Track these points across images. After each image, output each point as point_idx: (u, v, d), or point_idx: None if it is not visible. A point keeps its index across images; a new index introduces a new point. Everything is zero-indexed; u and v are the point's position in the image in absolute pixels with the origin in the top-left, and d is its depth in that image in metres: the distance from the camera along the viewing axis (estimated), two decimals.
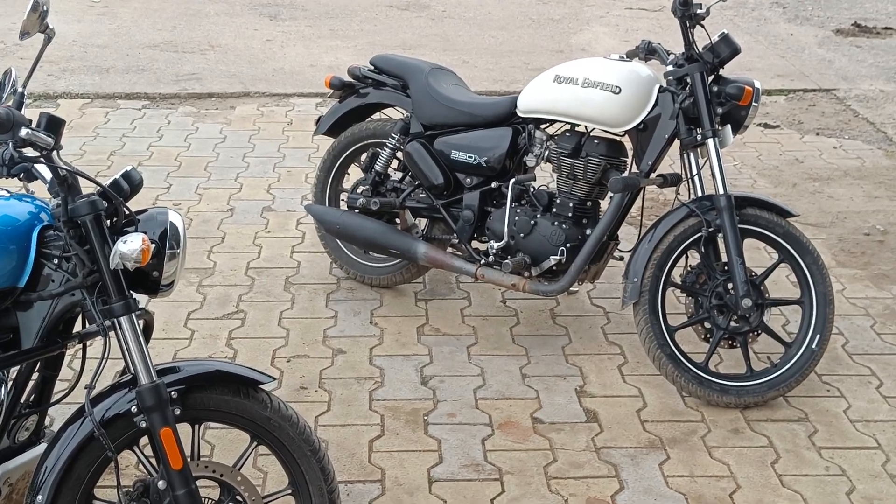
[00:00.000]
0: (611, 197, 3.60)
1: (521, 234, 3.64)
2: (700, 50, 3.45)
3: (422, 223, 4.09)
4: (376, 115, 4.25)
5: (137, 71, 6.96)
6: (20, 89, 2.26)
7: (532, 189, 3.74)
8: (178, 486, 2.23)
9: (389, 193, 4.03)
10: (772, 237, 3.47)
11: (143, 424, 2.22)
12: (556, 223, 3.61)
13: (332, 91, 4.16)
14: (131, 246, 2.14)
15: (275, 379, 2.41)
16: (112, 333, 2.19)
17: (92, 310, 2.21)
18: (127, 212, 2.26)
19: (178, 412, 2.25)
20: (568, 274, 3.56)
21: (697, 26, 3.47)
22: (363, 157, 4.17)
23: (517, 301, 4.10)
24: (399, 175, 4.09)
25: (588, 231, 3.61)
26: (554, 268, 3.61)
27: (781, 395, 3.44)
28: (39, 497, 2.21)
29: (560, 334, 3.88)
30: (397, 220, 4.05)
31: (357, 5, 8.95)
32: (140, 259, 2.15)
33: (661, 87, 3.52)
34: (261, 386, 2.36)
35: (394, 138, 3.96)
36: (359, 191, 4.08)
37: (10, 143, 2.12)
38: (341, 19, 8.46)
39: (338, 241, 4.18)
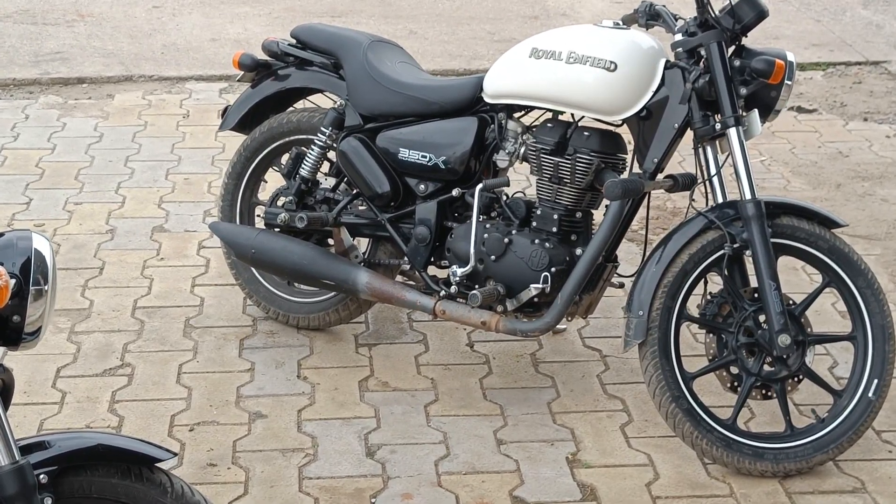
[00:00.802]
0: (606, 206, 3.60)
1: (492, 257, 3.62)
2: (717, 14, 3.46)
3: (362, 244, 4.07)
4: (299, 104, 4.23)
5: None
6: None
7: (505, 198, 3.72)
8: None
9: (319, 206, 4.00)
10: (814, 254, 3.47)
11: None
12: (536, 241, 3.59)
13: (241, 73, 4.14)
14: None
15: (175, 454, 2.34)
16: None
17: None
18: None
19: (48, 502, 2.20)
20: (554, 307, 3.54)
21: None
22: (284, 158, 4.16)
23: (488, 344, 4.09)
24: (332, 182, 4.05)
25: (578, 251, 3.61)
26: (535, 300, 3.60)
27: (831, 458, 3.44)
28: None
29: (545, 386, 3.87)
30: (330, 241, 4.01)
31: None
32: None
33: (667, 61, 3.53)
34: (157, 464, 2.32)
35: (324, 133, 3.94)
36: (279, 203, 4.04)
37: None
38: None
39: (253, 269, 4.14)
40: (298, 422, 3.66)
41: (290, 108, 4.17)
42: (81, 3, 7.81)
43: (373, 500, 3.30)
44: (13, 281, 2.17)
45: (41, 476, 2.19)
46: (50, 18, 7.48)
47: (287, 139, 4.10)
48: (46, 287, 2.25)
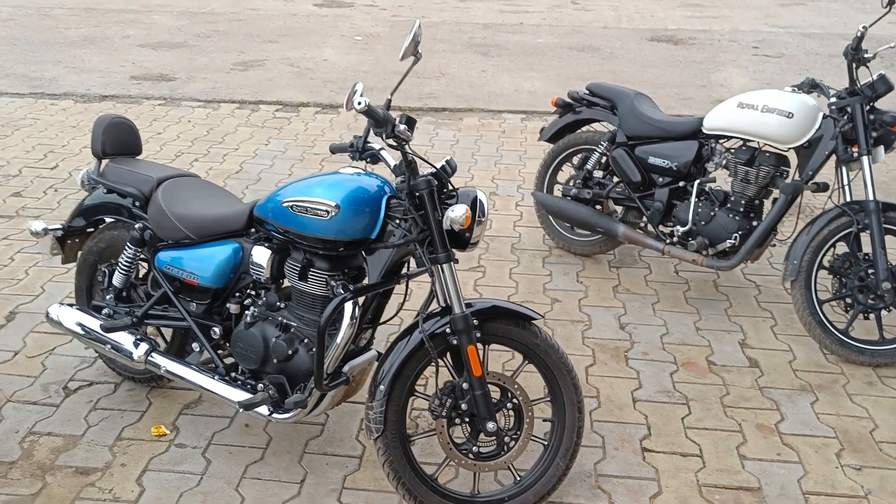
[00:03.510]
0: (775, 198, 3.46)
1: (703, 223, 3.54)
2: (862, 86, 3.24)
3: (617, 210, 4.02)
4: (584, 128, 4.21)
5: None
6: (388, 97, 2.33)
7: (710, 188, 3.62)
8: (477, 388, 2.29)
9: (595, 187, 3.99)
10: None
11: (454, 342, 2.28)
12: (730, 216, 3.49)
13: (555, 108, 4.14)
14: (458, 213, 2.20)
15: (543, 316, 2.40)
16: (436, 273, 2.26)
17: (422, 257, 2.27)
18: (451, 188, 2.32)
19: (478, 335, 2.30)
20: (738, 254, 3.45)
21: (862, 67, 3.26)
22: (574, 159, 4.15)
23: (687, 272, 3.99)
24: (601, 174, 4.03)
25: (755, 223, 3.48)
26: (727, 249, 3.50)
27: None
28: (381, 386, 2.30)
29: (722, 300, 3.76)
30: (597, 207, 4.00)
31: (546, 46, 8.86)
32: (464, 222, 2.21)
33: (824, 114, 3.33)
34: (533, 320, 2.38)
35: (602, 145, 3.91)
36: (570, 183, 4.05)
37: (383, 135, 2.20)
38: (534, 57, 8.40)
39: (551, 218, 4.18)
40: (579, 306, 3.67)
41: (579, 131, 4.16)
42: (442, 66, 7.94)
43: (625, 354, 3.30)
44: (469, 213, 2.27)
45: (474, 321, 2.27)
46: (425, 74, 7.62)
47: (577, 147, 4.09)
48: (485, 219, 2.33)
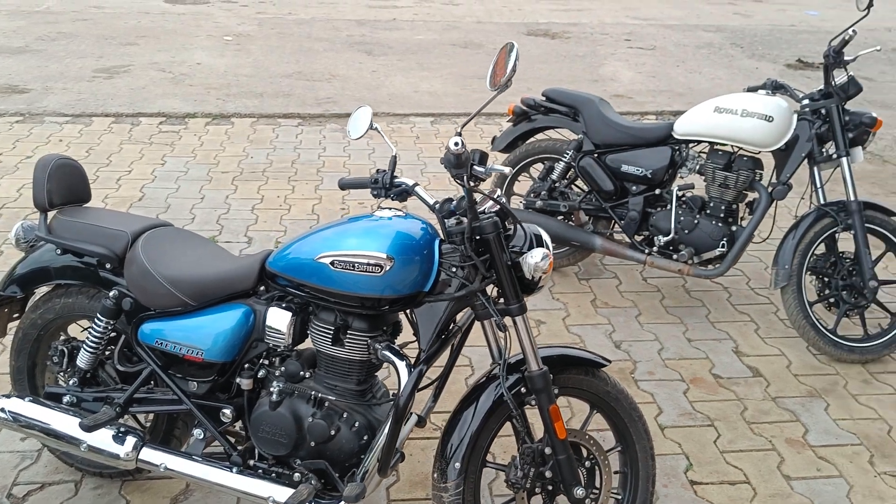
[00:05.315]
0: (751, 201, 3.42)
1: (686, 231, 3.44)
2: (835, 87, 3.25)
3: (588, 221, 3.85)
4: (539, 136, 4.01)
5: (285, 96, 6.59)
6: (459, 129, 1.99)
7: (687, 195, 3.53)
8: (560, 451, 2.03)
9: (559, 197, 3.80)
10: (883, 233, 3.31)
11: (533, 403, 2.00)
12: (713, 222, 3.42)
13: (511, 117, 3.91)
14: (538, 258, 1.92)
15: (610, 362, 2.17)
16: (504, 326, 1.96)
17: (490, 309, 1.96)
18: (514, 229, 2.02)
19: (556, 391, 2.04)
20: (726, 261, 3.38)
21: (836, 69, 3.26)
22: (532, 169, 3.94)
23: (656, 279, 3.91)
24: (564, 183, 3.85)
25: (733, 228, 3.43)
26: (713, 256, 3.43)
27: (890, 353, 3.30)
28: (456, 464, 1.99)
29: (699, 306, 3.70)
30: (561, 218, 3.81)
31: (428, 43, 8.62)
32: (547, 269, 1.93)
33: (798, 116, 3.33)
34: (602, 368, 2.15)
35: (568, 154, 3.73)
36: (533, 195, 3.83)
37: (465, 177, 1.86)
38: (421, 55, 8.13)
39: None
40: (566, 326, 3.48)
41: (533, 139, 3.95)
42: (329, 67, 7.49)
43: (632, 375, 3.15)
44: (551, 257, 1.99)
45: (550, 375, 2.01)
46: (315, 77, 7.16)
47: (536, 157, 3.89)
48: (551, 258, 2.05)
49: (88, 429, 2.10)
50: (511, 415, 2.02)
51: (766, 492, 2.55)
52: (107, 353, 2.28)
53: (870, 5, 3.18)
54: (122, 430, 2.17)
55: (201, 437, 2.17)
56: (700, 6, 11.78)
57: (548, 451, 2.03)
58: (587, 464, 2.13)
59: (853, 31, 3.16)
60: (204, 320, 2.09)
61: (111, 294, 2.15)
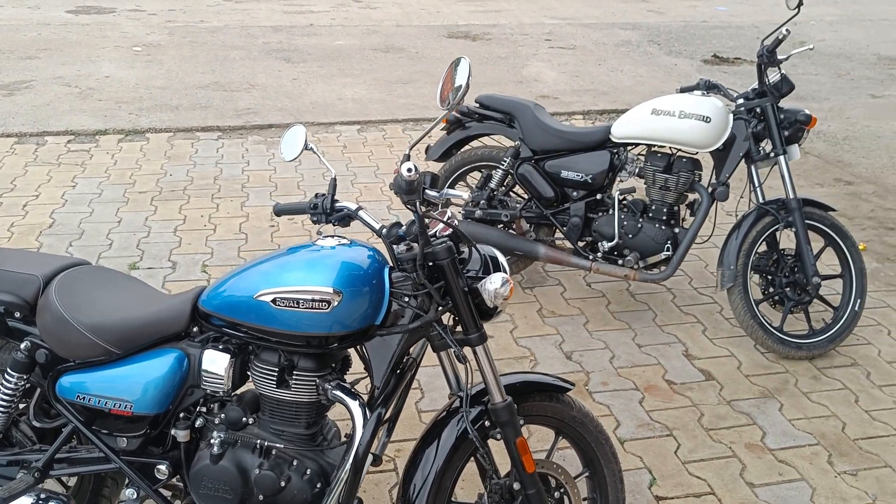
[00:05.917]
0: (693, 201, 3.39)
1: (630, 235, 3.38)
2: (769, 86, 3.25)
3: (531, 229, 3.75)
4: (473, 144, 3.89)
5: (202, 108, 6.27)
6: (407, 152, 1.83)
7: (628, 198, 3.47)
8: (530, 486, 1.90)
9: (499, 206, 3.69)
10: (822, 228, 3.32)
11: (498, 437, 1.88)
12: (657, 225, 3.37)
13: (445, 124, 3.77)
14: (498, 284, 1.79)
15: (574, 385, 2.06)
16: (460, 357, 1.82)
17: (447, 339, 1.83)
18: (469, 252, 1.89)
19: (522, 422, 1.92)
20: (672, 264, 3.33)
21: (770, 68, 3.26)
22: (468, 177, 3.82)
23: (599, 284, 3.85)
24: (503, 191, 3.74)
25: (676, 230, 3.39)
26: (659, 260, 3.37)
27: (835, 346, 3.32)
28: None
29: (644, 309, 3.66)
30: (501, 226, 3.70)
31: (349, 49, 8.40)
32: (508, 295, 1.80)
33: (734, 115, 3.31)
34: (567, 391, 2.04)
35: (505, 161, 3.62)
36: (470, 205, 3.70)
37: (417, 202, 1.71)
38: (342, 61, 7.91)
39: None
40: (515, 340, 3.37)
41: (467, 147, 3.83)
42: (247, 76, 7.19)
43: (586, 388, 3.05)
44: (512, 283, 1.85)
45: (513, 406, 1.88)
46: (233, 87, 6.85)
47: (475, 164, 3.77)
48: (510, 282, 1.91)
49: (3, 501, 1.85)
50: (476, 450, 1.88)
51: (732, 502, 2.50)
52: (21, 407, 2.04)
53: (800, 4, 3.19)
54: (42, 496, 1.93)
55: (134, 496, 1.95)
56: (615, 4, 11.94)
57: (516, 486, 1.91)
58: (556, 494, 2.02)
59: (786, 30, 3.16)
60: (131, 369, 1.87)
61: (22, 346, 1.91)
